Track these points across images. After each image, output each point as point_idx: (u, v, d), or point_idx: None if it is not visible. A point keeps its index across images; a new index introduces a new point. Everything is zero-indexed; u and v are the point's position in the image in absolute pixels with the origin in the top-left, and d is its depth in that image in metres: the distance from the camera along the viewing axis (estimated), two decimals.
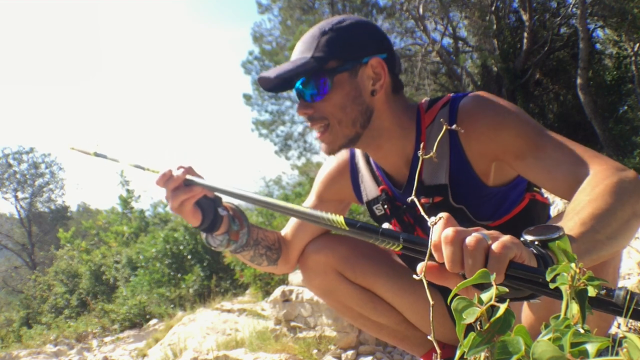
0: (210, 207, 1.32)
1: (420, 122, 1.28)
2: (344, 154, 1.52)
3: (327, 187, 1.54)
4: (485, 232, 0.74)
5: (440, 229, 0.75)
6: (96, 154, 1.46)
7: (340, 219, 0.95)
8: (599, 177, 0.97)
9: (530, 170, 1.12)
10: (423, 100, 1.34)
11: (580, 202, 0.92)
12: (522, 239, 0.79)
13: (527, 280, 0.71)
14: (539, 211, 1.35)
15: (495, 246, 0.71)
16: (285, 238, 1.58)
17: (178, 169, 1.28)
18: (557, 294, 0.63)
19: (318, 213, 1.01)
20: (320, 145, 1.29)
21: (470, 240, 0.72)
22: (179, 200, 1.26)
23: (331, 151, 1.28)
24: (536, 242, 0.77)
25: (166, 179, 1.26)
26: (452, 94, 1.29)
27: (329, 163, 1.57)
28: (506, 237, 0.73)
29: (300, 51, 1.23)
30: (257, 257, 1.51)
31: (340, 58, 1.20)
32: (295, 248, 1.57)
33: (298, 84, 1.22)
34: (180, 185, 1.26)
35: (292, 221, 1.58)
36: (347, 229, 0.94)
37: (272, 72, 1.20)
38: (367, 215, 1.59)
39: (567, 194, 1.02)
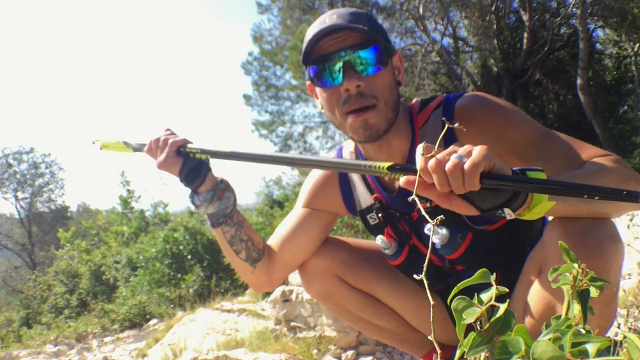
0: (193, 161, 1.29)
1: (413, 124, 1.25)
2: None
3: (315, 195, 1.47)
4: (461, 150, 0.83)
5: (422, 157, 0.84)
6: (132, 147, 1.41)
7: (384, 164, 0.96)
8: (593, 162, 1.05)
9: None
10: (413, 101, 1.30)
11: (569, 172, 1.02)
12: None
13: (501, 184, 0.83)
14: None
15: (467, 166, 0.80)
16: (271, 249, 1.47)
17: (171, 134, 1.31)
18: (528, 187, 0.81)
19: (352, 161, 1.05)
20: (360, 128, 1.14)
21: (449, 166, 0.81)
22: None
23: (376, 134, 1.15)
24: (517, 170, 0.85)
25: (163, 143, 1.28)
26: (444, 95, 1.26)
27: (315, 172, 1.50)
28: (477, 154, 0.81)
29: (347, 22, 1.12)
30: (238, 241, 1.38)
31: (385, 39, 1.18)
32: (279, 263, 1.46)
33: (358, 50, 1.11)
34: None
35: (280, 233, 1.48)
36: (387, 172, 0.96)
37: (338, 20, 1.12)
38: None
39: None
